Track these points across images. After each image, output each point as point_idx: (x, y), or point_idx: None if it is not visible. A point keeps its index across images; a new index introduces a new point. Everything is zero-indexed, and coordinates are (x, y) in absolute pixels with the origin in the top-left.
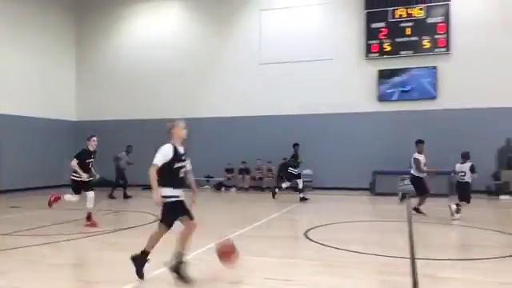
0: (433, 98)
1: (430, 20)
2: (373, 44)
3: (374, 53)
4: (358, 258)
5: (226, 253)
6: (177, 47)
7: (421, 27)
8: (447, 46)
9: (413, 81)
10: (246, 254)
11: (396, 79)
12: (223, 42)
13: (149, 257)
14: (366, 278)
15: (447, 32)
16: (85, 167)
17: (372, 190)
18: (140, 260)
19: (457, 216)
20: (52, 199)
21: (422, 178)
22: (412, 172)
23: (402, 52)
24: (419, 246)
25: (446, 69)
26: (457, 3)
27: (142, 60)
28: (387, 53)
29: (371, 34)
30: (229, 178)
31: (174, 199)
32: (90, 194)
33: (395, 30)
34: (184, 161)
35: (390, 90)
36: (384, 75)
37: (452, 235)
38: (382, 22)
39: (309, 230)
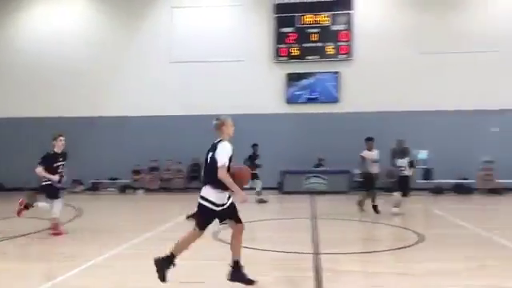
0: (336, 101)
1: (334, 27)
2: (282, 48)
3: (283, 56)
4: (265, 256)
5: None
6: (82, 40)
7: (326, 34)
8: (349, 52)
9: (318, 85)
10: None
11: (303, 83)
12: (132, 38)
13: (176, 261)
14: (273, 275)
15: (349, 40)
16: (52, 173)
17: (280, 188)
18: (164, 265)
19: (395, 210)
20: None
21: (370, 174)
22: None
23: (309, 57)
24: (323, 241)
25: (347, 74)
26: (359, 12)
27: (42, 54)
28: (295, 57)
29: (280, 38)
30: (136, 180)
31: (217, 208)
32: (59, 202)
33: (303, 35)
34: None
35: (297, 93)
36: (292, 78)
37: (352, 230)
38: (290, 27)
39: (218, 231)
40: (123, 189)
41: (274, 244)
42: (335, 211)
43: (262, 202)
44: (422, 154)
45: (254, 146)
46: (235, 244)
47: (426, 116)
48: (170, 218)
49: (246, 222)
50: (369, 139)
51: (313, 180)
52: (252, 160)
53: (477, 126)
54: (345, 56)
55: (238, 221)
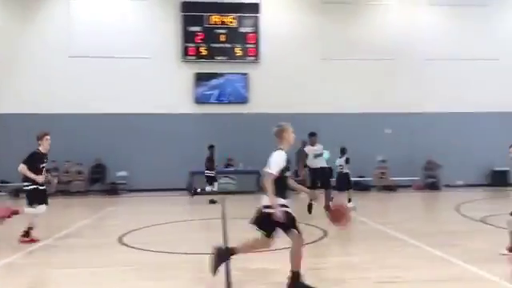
0: (245, 102)
1: (242, 30)
2: (190, 47)
3: (191, 56)
4: (174, 259)
5: (338, 217)
6: None
7: (234, 35)
8: (257, 55)
9: (227, 85)
10: (52, 267)
11: (212, 83)
12: (25, 30)
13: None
14: (183, 278)
15: (257, 42)
16: (36, 174)
17: (189, 189)
18: (223, 256)
19: (351, 205)
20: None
21: (314, 169)
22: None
23: (218, 57)
24: (233, 241)
25: (256, 76)
26: (266, 16)
27: None
28: (203, 57)
29: (188, 36)
30: None
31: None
32: (41, 209)
33: (211, 35)
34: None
35: (206, 93)
36: (201, 78)
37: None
38: (198, 26)
39: (124, 234)
40: (16, 193)
41: (184, 246)
42: (245, 211)
43: (213, 202)
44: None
45: (211, 147)
46: (295, 255)
47: (327, 118)
48: (69, 223)
49: (156, 224)
50: (312, 134)
51: (223, 180)
52: (211, 162)
53: (373, 128)
54: (253, 58)
55: (298, 231)
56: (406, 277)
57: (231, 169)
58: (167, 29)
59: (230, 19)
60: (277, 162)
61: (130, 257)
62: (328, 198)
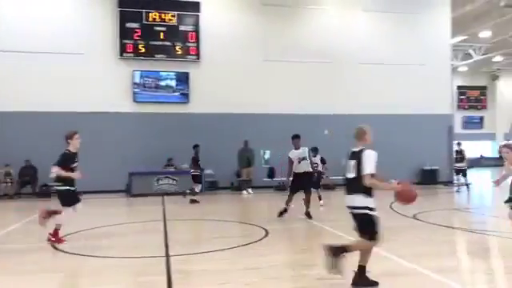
0: (186, 102)
1: (182, 28)
2: (128, 44)
3: (129, 53)
4: (112, 263)
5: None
6: None
7: (174, 33)
8: (197, 54)
9: (167, 84)
10: None
11: (151, 81)
12: None
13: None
14: (122, 283)
15: (197, 41)
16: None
17: (128, 191)
18: (338, 253)
19: (321, 202)
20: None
21: (296, 174)
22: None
23: (157, 55)
24: (174, 243)
25: (196, 75)
26: (206, 15)
27: None
28: (142, 54)
29: (126, 33)
30: None
31: (375, 212)
32: (70, 211)
33: (149, 32)
34: None
35: (146, 92)
36: (139, 76)
37: (203, 230)
38: (136, 23)
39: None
40: None
41: (123, 249)
42: (186, 212)
43: (194, 202)
44: (267, 154)
45: (196, 146)
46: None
47: (268, 118)
48: None
49: (93, 228)
50: (295, 137)
51: (163, 181)
52: (196, 162)
53: (313, 129)
54: (194, 57)
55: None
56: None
57: (172, 169)
58: (104, 25)
59: (170, 17)
60: (373, 160)
61: (65, 262)
62: (308, 202)
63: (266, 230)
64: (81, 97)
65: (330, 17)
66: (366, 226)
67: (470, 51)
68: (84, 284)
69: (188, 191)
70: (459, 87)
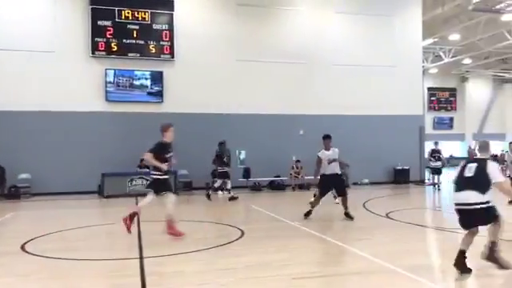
0: (160, 101)
1: (156, 26)
2: (100, 42)
3: (101, 51)
4: (85, 266)
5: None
6: None
7: (147, 32)
8: (171, 53)
9: (141, 84)
10: None
11: (124, 81)
12: None
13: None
14: (94, 286)
15: (171, 40)
16: (162, 163)
17: (101, 192)
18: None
19: (336, 200)
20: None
21: (325, 175)
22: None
23: (130, 54)
24: (148, 244)
25: (170, 74)
26: (180, 13)
27: None
28: (115, 53)
29: (98, 31)
30: None
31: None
32: (171, 197)
33: (122, 30)
34: None
35: (118, 91)
36: (112, 75)
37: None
38: (108, 21)
39: (27, 242)
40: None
41: (96, 251)
42: (160, 213)
43: (233, 199)
44: (242, 154)
45: (221, 144)
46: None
47: (244, 118)
48: None
49: (64, 230)
50: (326, 137)
51: (137, 182)
52: (220, 159)
53: (287, 129)
54: (168, 56)
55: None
56: (320, 271)
57: (145, 170)
58: (75, 22)
59: (143, 15)
60: (498, 169)
61: (35, 266)
62: (346, 205)
63: (242, 231)
64: (52, 96)
65: (305, 18)
66: (487, 215)
67: (441, 53)
68: (58, 287)
69: (210, 192)
70: (430, 89)
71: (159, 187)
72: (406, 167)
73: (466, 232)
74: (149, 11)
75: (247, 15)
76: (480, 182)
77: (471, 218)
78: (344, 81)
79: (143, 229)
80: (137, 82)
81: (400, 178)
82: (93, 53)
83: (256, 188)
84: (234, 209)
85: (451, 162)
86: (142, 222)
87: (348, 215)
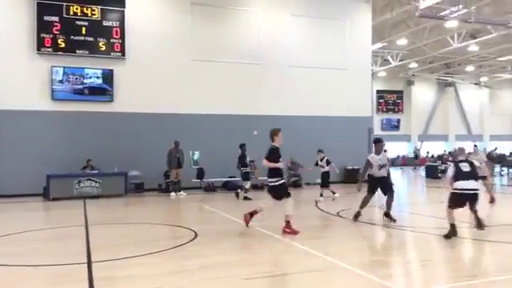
0: (110, 100)
1: (106, 23)
2: (46, 38)
3: (48, 47)
4: (28, 272)
5: None
6: None
7: (97, 29)
8: (122, 50)
9: (90, 82)
10: None
11: (72, 78)
12: None
13: None
14: None
15: (122, 37)
16: None
17: (46, 195)
18: None
19: (321, 199)
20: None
21: (372, 176)
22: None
23: (78, 51)
24: (97, 248)
25: (121, 73)
26: (131, 10)
27: None
28: (62, 49)
29: (44, 27)
30: None
31: None
32: (290, 200)
33: (70, 27)
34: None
35: (66, 90)
36: (59, 73)
37: (129, 234)
38: (55, 16)
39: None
40: None
41: (41, 257)
42: (110, 216)
43: (247, 199)
44: (196, 155)
45: (242, 146)
46: None
47: (197, 119)
48: None
49: (8, 234)
50: (377, 141)
51: (85, 184)
52: (242, 161)
53: (242, 129)
54: (118, 54)
55: None
56: (274, 271)
57: (95, 171)
58: (19, 17)
59: (92, 11)
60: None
61: None
62: (389, 206)
63: (195, 232)
64: None
65: (260, 19)
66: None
67: (389, 57)
68: None
69: (239, 190)
70: (378, 91)
71: (281, 193)
72: (356, 167)
73: (452, 210)
74: (99, 7)
75: (202, 14)
76: (475, 174)
77: (472, 200)
78: (298, 82)
79: (91, 232)
80: (86, 81)
81: (350, 177)
82: (38, 49)
83: (210, 189)
84: (188, 210)
85: (398, 162)
86: (91, 226)
87: (388, 215)
